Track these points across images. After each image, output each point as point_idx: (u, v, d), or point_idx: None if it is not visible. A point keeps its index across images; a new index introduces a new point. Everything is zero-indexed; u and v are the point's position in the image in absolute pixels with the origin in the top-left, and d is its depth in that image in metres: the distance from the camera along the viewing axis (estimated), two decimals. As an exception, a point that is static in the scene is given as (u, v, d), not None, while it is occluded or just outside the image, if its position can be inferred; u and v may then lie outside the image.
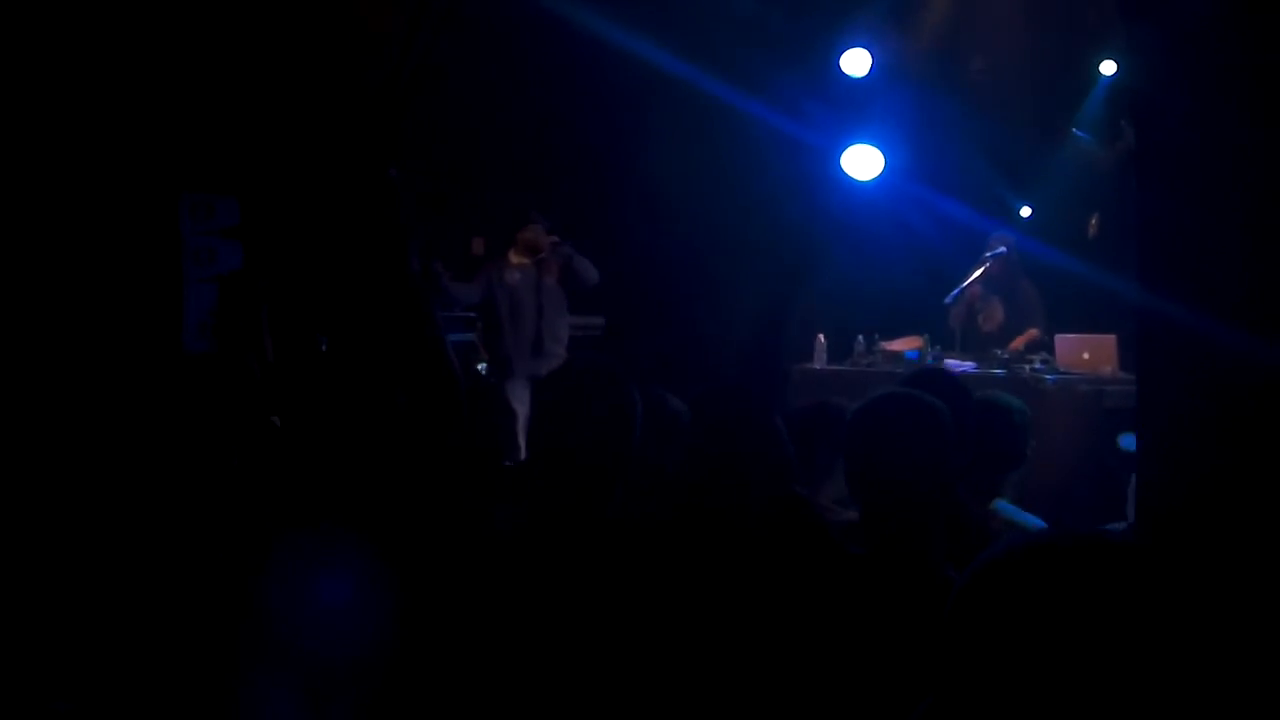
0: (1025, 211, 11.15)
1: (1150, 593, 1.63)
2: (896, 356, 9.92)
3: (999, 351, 9.51)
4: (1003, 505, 4.34)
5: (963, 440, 3.33)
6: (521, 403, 9.61)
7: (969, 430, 3.51)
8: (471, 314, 10.51)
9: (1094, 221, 10.56)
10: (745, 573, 3.28)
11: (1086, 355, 9.10)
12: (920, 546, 3.15)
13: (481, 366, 10.26)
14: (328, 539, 3.32)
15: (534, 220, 10.19)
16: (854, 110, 10.56)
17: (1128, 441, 6.73)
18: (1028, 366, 9.13)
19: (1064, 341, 9.24)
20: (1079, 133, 11.11)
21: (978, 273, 9.83)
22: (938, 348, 9.95)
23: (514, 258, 10.17)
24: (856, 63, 10.68)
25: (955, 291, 9.89)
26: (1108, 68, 10.77)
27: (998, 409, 4.58)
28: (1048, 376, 8.90)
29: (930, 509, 3.17)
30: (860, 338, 10.24)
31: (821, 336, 10.17)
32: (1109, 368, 8.93)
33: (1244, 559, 2.80)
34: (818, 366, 10.03)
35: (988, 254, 9.80)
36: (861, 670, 2.97)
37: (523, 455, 9.11)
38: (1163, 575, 1.65)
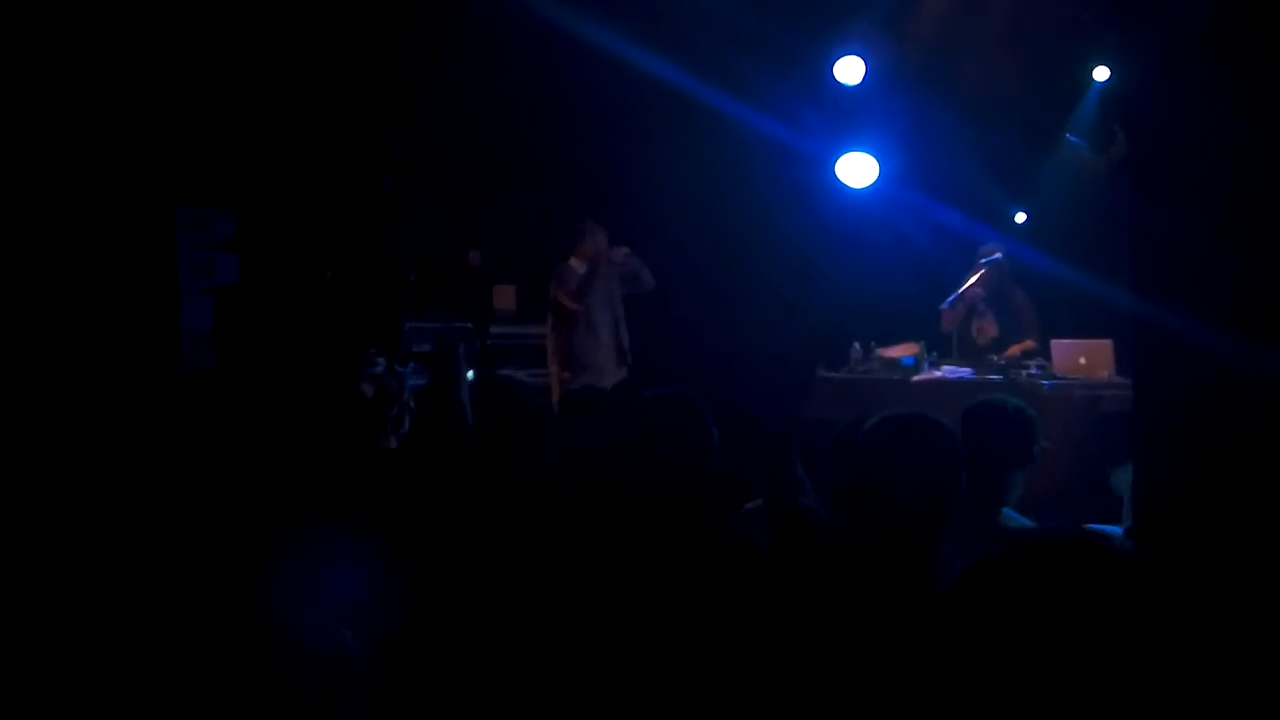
0: (1020, 217, 11.16)
1: (1138, 593, 1.65)
2: (893, 363, 9.92)
3: (995, 357, 9.52)
4: (1010, 513, 4.32)
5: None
6: None
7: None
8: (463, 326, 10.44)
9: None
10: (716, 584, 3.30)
11: (1083, 360, 9.11)
12: (916, 566, 3.15)
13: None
14: (337, 532, 3.33)
15: (592, 229, 9.76)
16: (848, 118, 10.58)
17: (1118, 482, 6.73)
18: (1024, 372, 9.14)
19: (1060, 347, 9.25)
20: (1073, 138, 11.12)
21: (974, 278, 9.85)
22: (934, 354, 9.96)
23: (576, 265, 9.73)
24: (850, 71, 10.69)
25: (952, 297, 9.91)
26: (1101, 73, 10.78)
27: (993, 408, 4.57)
28: (1044, 382, 8.91)
29: (928, 531, 3.18)
30: (856, 344, 10.24)
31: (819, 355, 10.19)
32: (1105, 372, 8.94)
33: (1241, 560, 2.82)
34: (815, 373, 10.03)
35: (983, 260, 9.81)
36: (847, 688, 2.97)
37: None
38: (1150, 575, 1.66)
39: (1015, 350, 9.63)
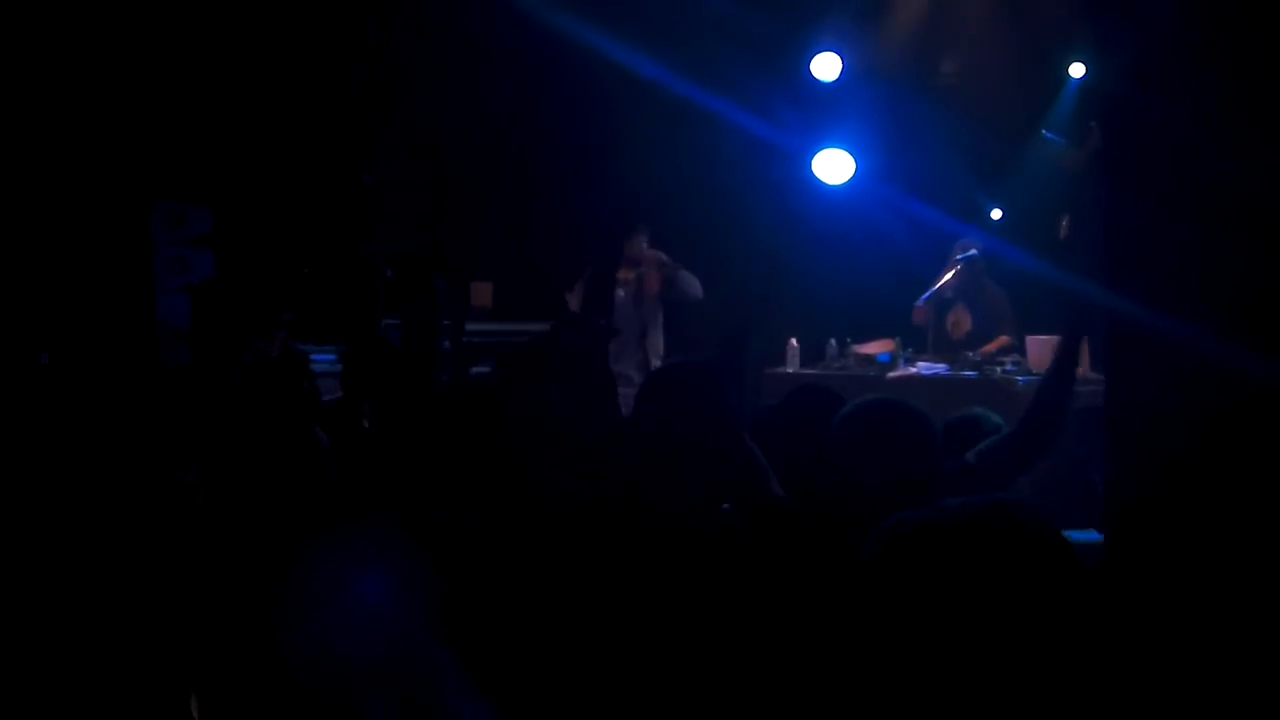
0: (996, 214, 11.19)
1: (1048, 563, 1.65)
2: (869, 360, 9.95)
3: (970, 354, 9.56)
4: None
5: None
6: None
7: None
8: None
9: (1064, 223, 10.60)
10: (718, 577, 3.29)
11: (1057, 356, 9.14)
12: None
13: None
14: (363, 536, 3.31)
15: (636, 231, 9.54)
16: (825, 114, 10.59)
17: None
18: (999, 369, 9.18)
19: (1035, 343, 9.28)
20: (1049, 134, 11.16)
21: (949, 275, 9.88)
22: (909, 350, 9.99)
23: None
24: (827, 67, 10.70)
25: (927, 294, 9.94)
26: (1078, 69, 10.82)
27: (970, 422, 4.62)
28: (1019, 378, 8.94)
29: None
30: (832, 341, 10.26)
31: (794, 340, 10.19)
32: (1080, 369, 8.96)
33: (1211, 555, 2.83)
34: (790, 370, 10.05)
35: (959, 256, 9.84)
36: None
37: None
38: (1061, 548, 1.67)
39: (991, 347, 9.67)
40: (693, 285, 9.51)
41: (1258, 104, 3.07)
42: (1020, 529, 1.70)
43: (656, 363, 9.39)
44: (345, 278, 10.04)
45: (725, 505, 4.16)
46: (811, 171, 10.29)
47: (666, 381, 3.76)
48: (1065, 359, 4.51)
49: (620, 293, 9.42)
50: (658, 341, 9.59)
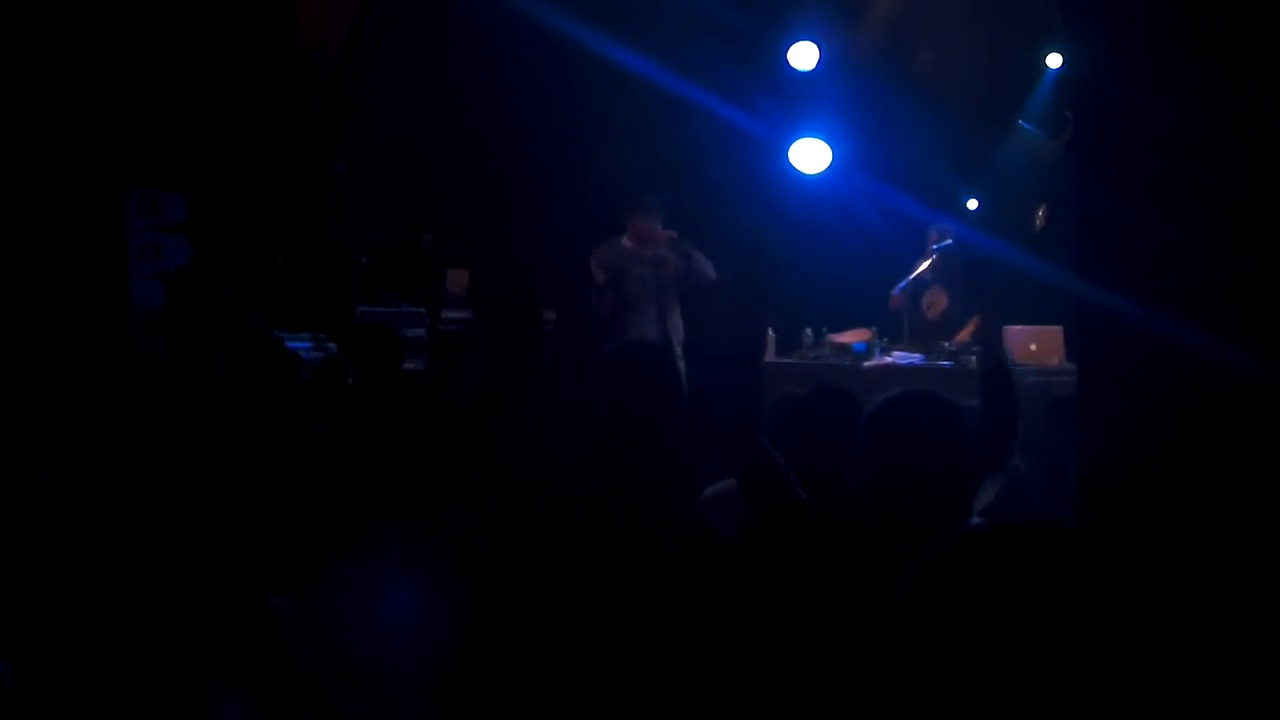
0: (972, 204, 11.20)
1: (1102, 583, 1.64)
2: (844, 349, 9.96)
3: (945, 343, 9.56)
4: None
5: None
6: None
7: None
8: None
9: (1041, 213, 10.64)
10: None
11: (1033, 346, 9.17)
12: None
13: None
14: (389, 548, 3.28)
15: (648, 208, 9.47)
16: (802, 103, 10.58)
17: None
18: (974, 358, 9.18)
19: (1011, 333, 9.30)
20: (1026, 125, 11.18)
21: (924, 265, 9.89)
22: (885, 340, 10.00)
23: (628, 244, 9.50)
24: (804, 56, 10.69)
25: (902, 284, 9.95)
26: (1054, 60, 10.85)
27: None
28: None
29: (944, 512, 3.11)
30: (808, 330, 10.26)
31: (770, 330, 10.19)
32: (1056, 358, 9.01)
33: (1183, 545, 2.83)
34: (767, 360, 10.04)
35: (934, 246, 9.85)
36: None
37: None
38: (1114, 564, 1.65)
39: (965, 334, 9.67)
40: (707, 266, 9.43)
41: (1231, 95, 3.08)
42: (1075, 548, 1.68)
43: (678, 348, 9.29)
44: (319, 265, 10.03)
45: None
46: (788, 161, 10.29)
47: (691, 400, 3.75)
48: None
49: (638, 269, 9.40)
50: (678, 324, 9.49)
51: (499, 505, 3.58)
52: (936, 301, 9.95)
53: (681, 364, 9.21)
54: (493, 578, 3.20)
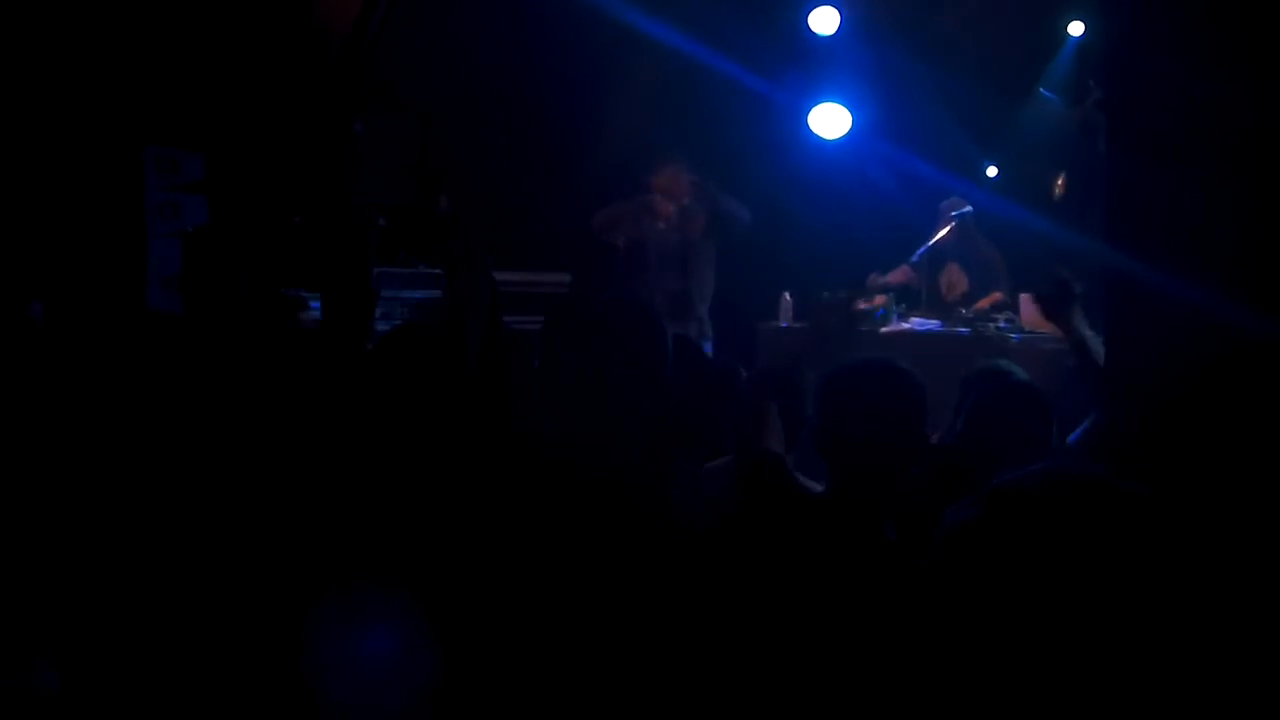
0: (991, 171, 11.16)
1: (1158, 538, 1.58)
2: (862, 314, 9.94)
3: (964, 310, 9.55)
4: None
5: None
6: None
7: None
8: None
9: (1060, 182, 10.58)
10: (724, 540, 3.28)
11: (1050, 315, 9.14)
12: (870, 509, 3.17)
13: None
14: (366, 587, 3.26)
15: (671, 160, 9.23)
16: (822, 69, 10.53)
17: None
18: (992, 325, 9.17)
19: (1028, 301, 9.27)
20: (1046, 92, 11.11)
21: (943, 232, 9.86)
22: (903, 306, 9.98)
23: (655, 203, 9.25)
24: (825, 21, 10.63)
25: (920, 251, 9.93)
26: (1076, 28, 10.78)
27: (995, 375, 4.65)
28: (1012, 335, 8.94)
29: (897, 471, 3.21)
30: (825, 295, 10.22)
31: (787, 294, 10.17)
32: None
33: (1212, 513, 2.82)
34: (784, 324, 10.03)
35: (952, 213, 9.82)
36: (825, 636, 2.96)
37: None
38: (1168, 520, 1.60)
39: (984, 303, 9.66)
40: (740, 211, 9.23)
41: (1263, 61, 3.05)
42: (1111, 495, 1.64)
43: (701, 308, 9.18)
44: (337, 226, 10.00)
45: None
46: (808, 126, 10.24)
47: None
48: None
49: (661, 226, 9.22)
50: (704, 281, 9.26)
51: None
52: (956, 283, 9.93)
53: (704, 325, 9.18)
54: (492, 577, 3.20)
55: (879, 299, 9.98)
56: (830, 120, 10.14)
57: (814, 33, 10.65)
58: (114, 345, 5.53)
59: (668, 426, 3.50)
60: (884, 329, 9.58)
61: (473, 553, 3.22)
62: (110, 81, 7.09)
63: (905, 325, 9.60)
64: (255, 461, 4.16)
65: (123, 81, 7.15)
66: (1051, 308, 4.56)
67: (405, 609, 3.14)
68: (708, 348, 8.54)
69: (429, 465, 3.53)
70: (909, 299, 10.07)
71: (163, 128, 7.59)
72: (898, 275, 10.13)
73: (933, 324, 9.49)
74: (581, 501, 3.22)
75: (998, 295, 9.69)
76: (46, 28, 6.86)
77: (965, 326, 9.27)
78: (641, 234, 9.20)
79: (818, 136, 10.23)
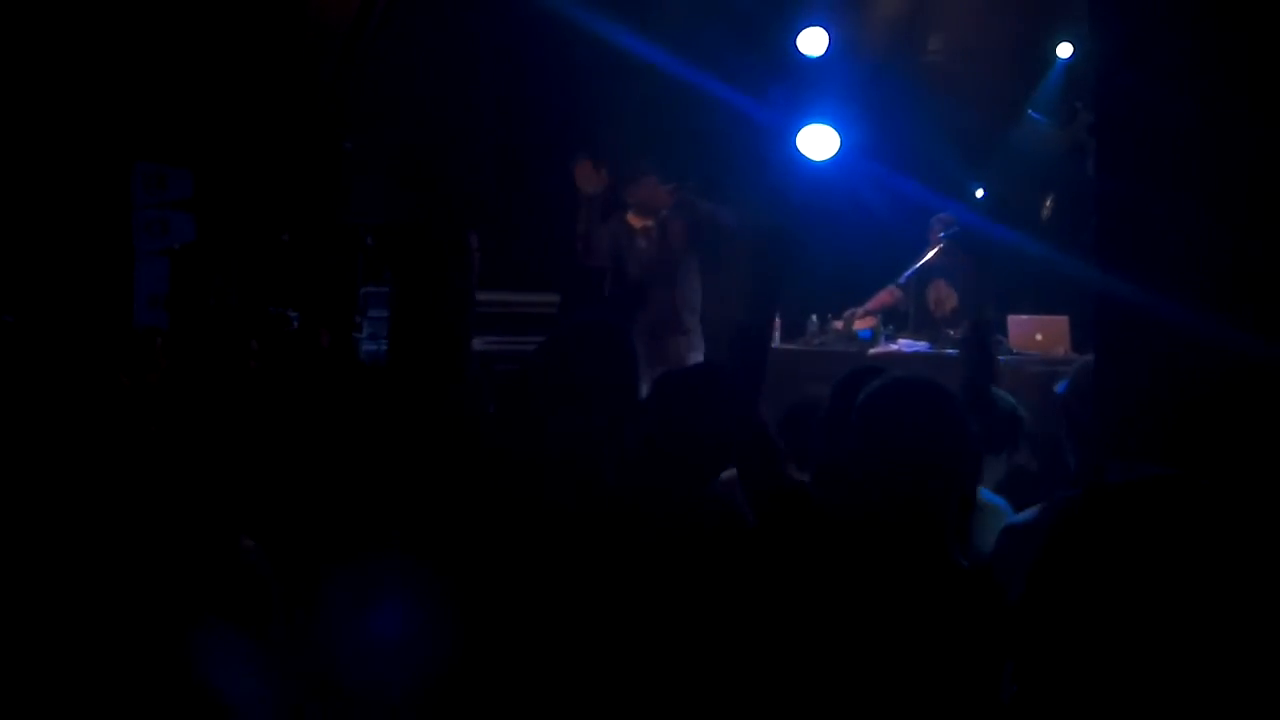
0: (979, 192, 11.18)
1: (1237, 530, 1.62)
2: (850, 335, 9.94)
3: (952, 332, 9.55)
4: (985, 493, 4.28)
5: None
6: None
7: None
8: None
9: (1048, 203, 10.61)
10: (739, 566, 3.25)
11: (1039, 336, 9.16)
12: (935, 534, 3.08)
13: None
14: (378, 566, 3.25)
15: (645, 173, 9.01)
16: (810, 90, 10.54)
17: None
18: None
19: (1016, 323, 9.29)
20: (1034, 114, 11.15)
21: (931, 253, 9.87)
22: (890, 327, 9.99)
23: (633, 220, 9.04)
24: (813, 42, 10.65)
25: (908, 273, 9.94)
26: (1064, 50, 10.82)
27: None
28: (999, 357, 8.93)
29: (946, 496, 3.09)
30: (814, 316, 10.24)
31: (775, 316, 10.16)
32: (1061, 349, 8.99)
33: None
34: (772, 345, 10.02)
35: (941, 234, 9.83)
36: (879, 664, 2.91)
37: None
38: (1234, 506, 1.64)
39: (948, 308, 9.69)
40: (720, 212, 8.99)
41: (1250, 83, 3.06)
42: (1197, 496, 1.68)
43: (691, 319, 8.98)
44: (325, 244, 10.00)
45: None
46: (796, 147, 10.25)
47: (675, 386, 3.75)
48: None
49: (641, 243, 9.04)
50: (690, 293, 9.01)
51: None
52: (945, 300, 9.93)
53: (693, 336, 9.09)
54: (491, 577, 3.18)
55: (868, 320, 9.99)
56: (819, 141, 10.14)
57: (802, 54, 10.66)
58: (98, 363, 5.50)
59: (656, 449, 3.49)
60: (872, 350, 9.58)
61: (446, 570, 3.22)
62: (99, 96, 7.07)
63: (894, 347, 9.60)
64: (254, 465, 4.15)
65: (112, 96, 7.14)
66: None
67: (394, 612, 3.14)
68: (698, 360, 8.50)
69: (410, 485, 3.53)
70: (896, 320, 10.08)
71: (151, 143, 7.58)
72: (883, 298, 10.14)
73: (921, 345, 9.49)
74: (547, 515, 3.21)
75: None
76: (35, 44, 6.85)
77: (954, 348, 9.26)
78: (620, 252, 9.01)
79: (806, 158, 10.23)
